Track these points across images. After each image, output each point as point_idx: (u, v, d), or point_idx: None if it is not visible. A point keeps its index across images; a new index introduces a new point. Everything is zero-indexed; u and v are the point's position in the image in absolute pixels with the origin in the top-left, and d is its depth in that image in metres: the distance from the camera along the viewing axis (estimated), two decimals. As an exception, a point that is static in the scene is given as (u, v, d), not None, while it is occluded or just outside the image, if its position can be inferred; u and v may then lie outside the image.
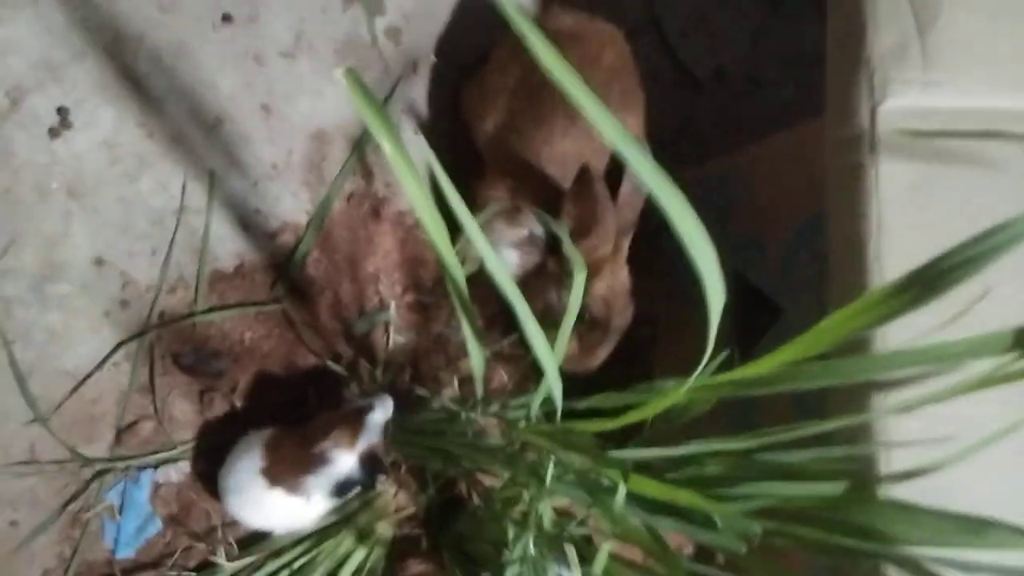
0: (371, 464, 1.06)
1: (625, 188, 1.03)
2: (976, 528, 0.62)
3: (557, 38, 0.96)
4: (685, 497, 0.66)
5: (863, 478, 0.75)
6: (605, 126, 0.52)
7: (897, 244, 0.84)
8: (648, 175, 0.55)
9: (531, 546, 0.86)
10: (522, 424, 0.92)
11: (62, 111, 1.11)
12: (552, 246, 1.14)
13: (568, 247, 0.87)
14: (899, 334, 0.78)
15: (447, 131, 1.32)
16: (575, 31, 1.13)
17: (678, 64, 1.45)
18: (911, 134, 0.81)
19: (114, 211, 1.14)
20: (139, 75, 1.14)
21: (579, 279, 0.80)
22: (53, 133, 1.11)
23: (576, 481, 0.83)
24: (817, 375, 0.63)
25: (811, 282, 1.02)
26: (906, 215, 0.82)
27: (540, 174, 1.12)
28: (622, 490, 0.69)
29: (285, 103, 1.23)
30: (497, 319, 1.33)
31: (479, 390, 0.94)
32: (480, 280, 1.35)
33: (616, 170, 1.04)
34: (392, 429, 1.09)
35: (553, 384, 0.79)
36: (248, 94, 1.21)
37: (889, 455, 0.77)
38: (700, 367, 0.64)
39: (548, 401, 0.89)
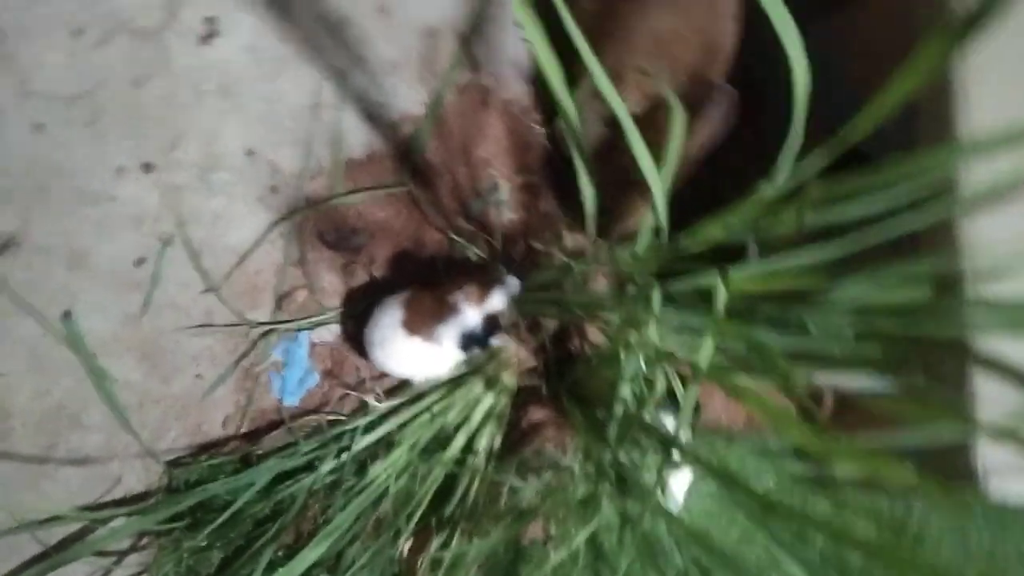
0: (491, 325, 1.16)
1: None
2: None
3: None
4: (783, 281, 0.71)
5: (948, 282, 0.78)
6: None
7: (982, 79, 0.85)
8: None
9: (642, 362, 0.93)
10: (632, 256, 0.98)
11: (210, 21, 1.21)
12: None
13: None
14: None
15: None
16: None
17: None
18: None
19: (260, 108, 1.23)
20: (271, -16, 1.23)
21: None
22: (203, 40, 1.21)
23: (681, 302, 0.90)
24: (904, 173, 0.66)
25: (901, 127, 1.03)
26: (992, 49, 0.83)
27: (634, 51, 1.15)
28: (722, 290, 0.74)
29: (399, 3, 1.30)
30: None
31: (591, 229, 1.00)
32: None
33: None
34: (517, 301, 1.18)
35: (660, 204, 0.85)
36: (367, -4, 1.28)
37: (973, 263, 0.80)
38: (785, 165, 0.69)
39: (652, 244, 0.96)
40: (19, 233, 1.13)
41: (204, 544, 1.13)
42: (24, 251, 1.13)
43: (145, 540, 1.16)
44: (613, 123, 1.21)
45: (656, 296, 0.89)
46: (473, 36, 1.33)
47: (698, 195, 1.19)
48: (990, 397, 0.82)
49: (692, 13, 1.14)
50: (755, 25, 1.11)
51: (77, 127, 1.15)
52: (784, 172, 0.76)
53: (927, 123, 0.91)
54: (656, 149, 1.01)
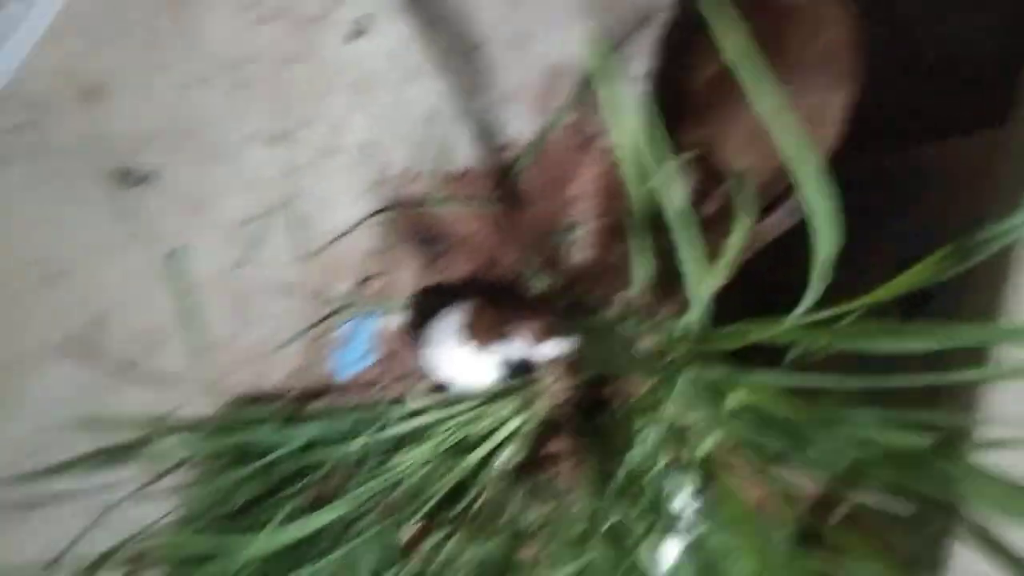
0: (527, 367, 1.24)
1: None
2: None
3: (776, 13, 1.06)
4: (785, 405, 0.76)
5: (953, 439, 0.81)
6: (772, 114, 0.62)
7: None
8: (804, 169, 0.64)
9: (652, 437, 0.99)
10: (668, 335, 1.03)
11: (360, 21, 1.32)
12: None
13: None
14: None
15: (664, 78, 1.41)
16: (797, 7, 1.15)
17: (905, 49, 1.43)
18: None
19: (385, 108, 1.34)
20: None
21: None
22: (349, 38, 1.32)
23: (702, 391, 0.95)
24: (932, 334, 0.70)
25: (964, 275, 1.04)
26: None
27: (730, 135, 1.20)
28: (733, 397, 0.80)
29: (534, 38, 1.37)
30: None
31: (646, 295, 1.06)
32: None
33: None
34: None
35: (699, 303, 0.90)
36: (504, 27, 1.36)
37: (987, 427, 0.82)
38: (805, 302, 0.73)
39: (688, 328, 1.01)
40: (158, 170, 1.29)
41: (234, 484, 1.26)
42: (157, 187, 1.28)
43: (185, 466, 1.31)
44: (694, 195, 1.26)
45: (680, 380, 0.95)
46: (592, 81, 1.40)
47: (756, 280, 1.23)
48: (967, 565, 0.84)
49: (796, 114, 1.17)
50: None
51: (224, 90, 1.29)
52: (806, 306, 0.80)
53: (979, 287, 0.92)
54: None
